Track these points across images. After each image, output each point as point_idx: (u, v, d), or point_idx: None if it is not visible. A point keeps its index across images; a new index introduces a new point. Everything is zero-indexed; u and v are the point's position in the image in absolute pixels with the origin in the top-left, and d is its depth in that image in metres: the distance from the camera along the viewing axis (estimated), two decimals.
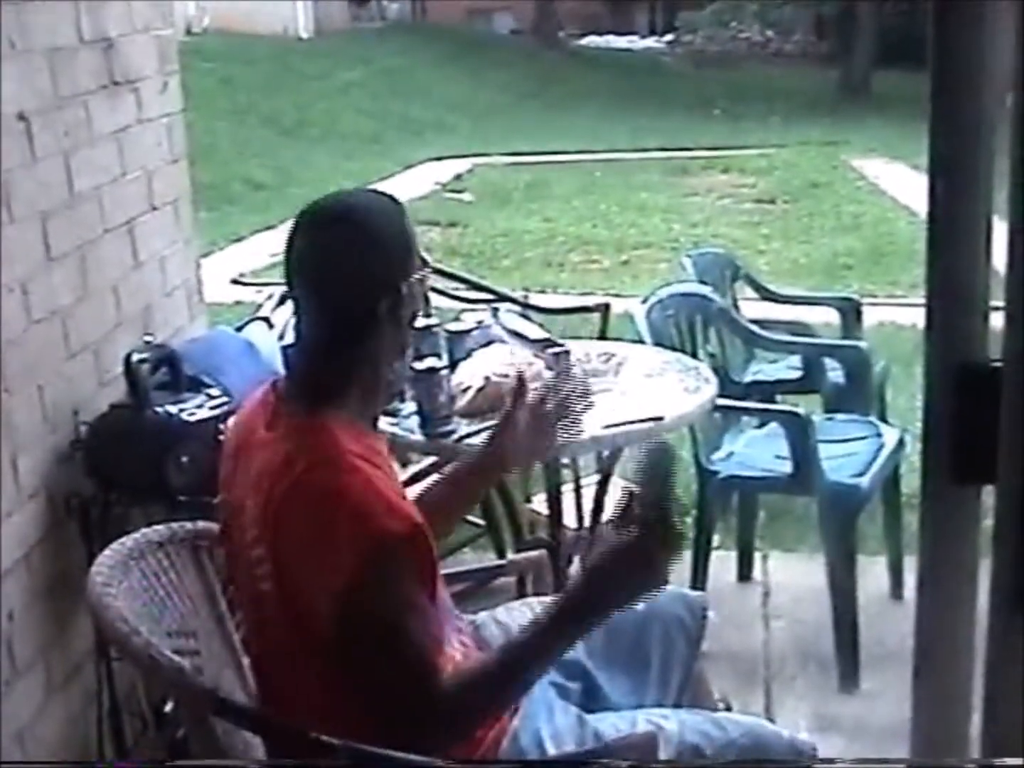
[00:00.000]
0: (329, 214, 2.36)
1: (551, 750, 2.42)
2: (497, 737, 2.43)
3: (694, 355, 4.61)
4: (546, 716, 2.49)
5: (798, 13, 30.20)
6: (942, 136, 1.42)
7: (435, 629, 2.31)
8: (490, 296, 5.23)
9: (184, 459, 3.35)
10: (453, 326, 4.06)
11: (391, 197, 2.44)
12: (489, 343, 4.02)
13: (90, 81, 3.61)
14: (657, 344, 4.49)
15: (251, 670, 2.60)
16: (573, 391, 2.79)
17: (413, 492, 2.75)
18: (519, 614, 2.82)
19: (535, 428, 2.77)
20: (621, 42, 30.54)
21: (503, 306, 4.68)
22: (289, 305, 4.32)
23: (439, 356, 3.71)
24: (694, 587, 4.13)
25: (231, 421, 2.59)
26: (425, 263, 2.49)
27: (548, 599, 2.82)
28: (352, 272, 2.30)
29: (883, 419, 5.02)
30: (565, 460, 4.49)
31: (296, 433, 2.29)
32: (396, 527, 2.19)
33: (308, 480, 2.21)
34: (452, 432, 3.56)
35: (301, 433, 2.29)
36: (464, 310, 4.96)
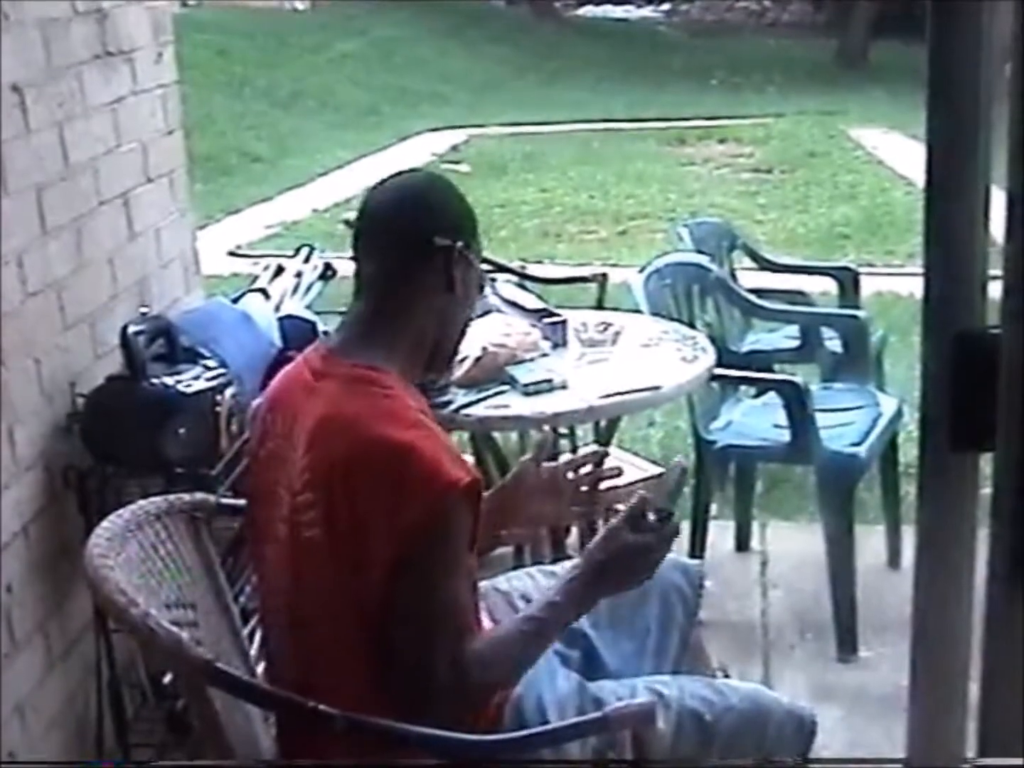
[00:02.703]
0: (394, 181, 2.50)
1: (553, 717, 2.43)
2: (500, 704, 2.44)
3: (691, 325, 4.60)
4: (548, 683, 2.50)
5: None
6: (940, 106, 1.41)
7: (474, 595, 2.39)
8: (487, 266, 5.21)
9: (181, 431, 3.35)
10: None
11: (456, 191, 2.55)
12: (486, 313, 4.02)
13: (84, 52, 3.59)
14: (654, 314, 4.49)
15: (263, 624, 2.61)
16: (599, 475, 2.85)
17: None
18: (520, 583, 2.84)
19: (549, 494, 2.79)
20: (618, 12, 30.42)
21: (500, 276, 4.68)
22: (284, 277, 4.34)
23: None
24: (692, 556, 4.14)
25: (272, 382, 2.59)
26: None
27: (558, 569, 2.86)
28: (406, 215, 2.42)
29: (881, 388, 5.02)
30: (563, 430, 4.50)
31: (355, 383, 2.33)
32: (464, 477, 2.24)
33: (376, 435, 2.24)
34: (449, 402, 3.56)
35: (360, 384, 2.33)
36: None
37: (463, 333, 2.55)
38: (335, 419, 2.29)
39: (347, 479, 2.24)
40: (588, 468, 2.83)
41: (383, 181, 2.50)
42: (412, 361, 2.43)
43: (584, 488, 2.81)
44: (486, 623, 2.59)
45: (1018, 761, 1.41)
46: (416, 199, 2.45)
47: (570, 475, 2.80)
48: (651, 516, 2.39)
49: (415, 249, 2.40)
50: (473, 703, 2.34)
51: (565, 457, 3.02)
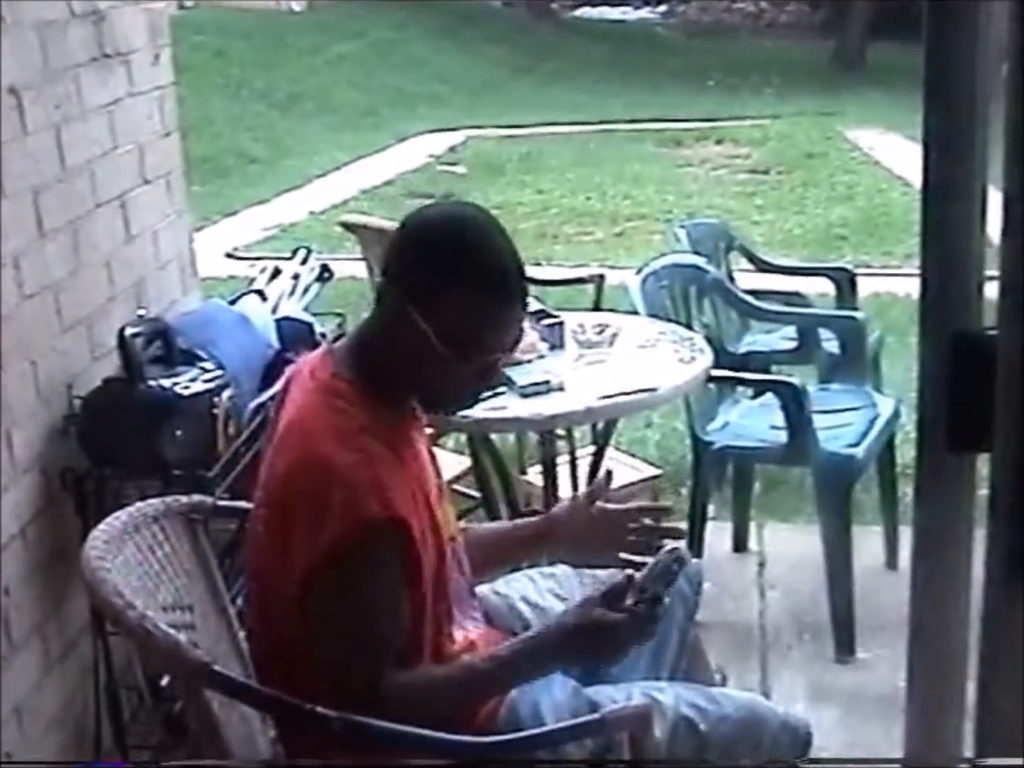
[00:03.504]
0: (441, 212, 2.48)
1: (549, 720, 2.43)
2: (495, 707, 2.44)
3: (689, 326, 4.60)
4: (544, 687, 2.50)
5: None
6: (937, 107, 1.41)
7: (401, 629, 2.34)
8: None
9: (178, 433, 3.34)
10: None
11: (517, 266, 2.39)
12: None
13: (81, 54, 3.59)
14: (651, 315, 4.49)
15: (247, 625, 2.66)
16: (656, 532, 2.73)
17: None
18: (519, 585, 2.84)
19: (599, 534, 2.74)
20: (615, 13, 30.40)
21: None
22: (281, 278, 4.34)
23: None
24: (694, 557, 4.14)
25: (285, 375, 2.61)
26: (509, 346, 2.44)
27: (557, 571, 2.86)
28: (421, 260, 2.34)
29: (878, 389, 5.02)
30: (560, 432, 4.50)
31: (326, 394, 2.36)
32: (382, 516, 2.25)
33: (316, 454, 2.28)
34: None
35: (328, 395, 2.35)
36: None
37: (462, 390, 2.47)
38: (294, 428, 2.36)
39: (284, 489, 2.31)
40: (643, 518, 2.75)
41: (435, 206, 2.51)
42: (394, 387, 2.43)
43: (635, 537, 2.72)
44: (487, 626, 2.60)
45: (1018, 761, 1.41)
46: (443, 247, 2.34)
47: (626, 521, 2.72)
48: (631, 598, 2.31)
49: (418, 295, 2.32)
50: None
51: (627, 504, 2.90)
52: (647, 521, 2.73)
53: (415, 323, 2.32)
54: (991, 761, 1.45)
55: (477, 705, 2.43)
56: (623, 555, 2.73)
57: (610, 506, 2.75)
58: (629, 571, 2.38)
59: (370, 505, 2.24)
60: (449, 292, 2.31)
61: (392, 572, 2.30)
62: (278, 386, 2.62)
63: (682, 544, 2.49)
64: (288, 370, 2.60)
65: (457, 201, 2.52)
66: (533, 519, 2.90)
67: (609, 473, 2.86)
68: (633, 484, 4.61)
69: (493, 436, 4.40)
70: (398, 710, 2.24)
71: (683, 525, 4.29)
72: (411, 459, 2.44)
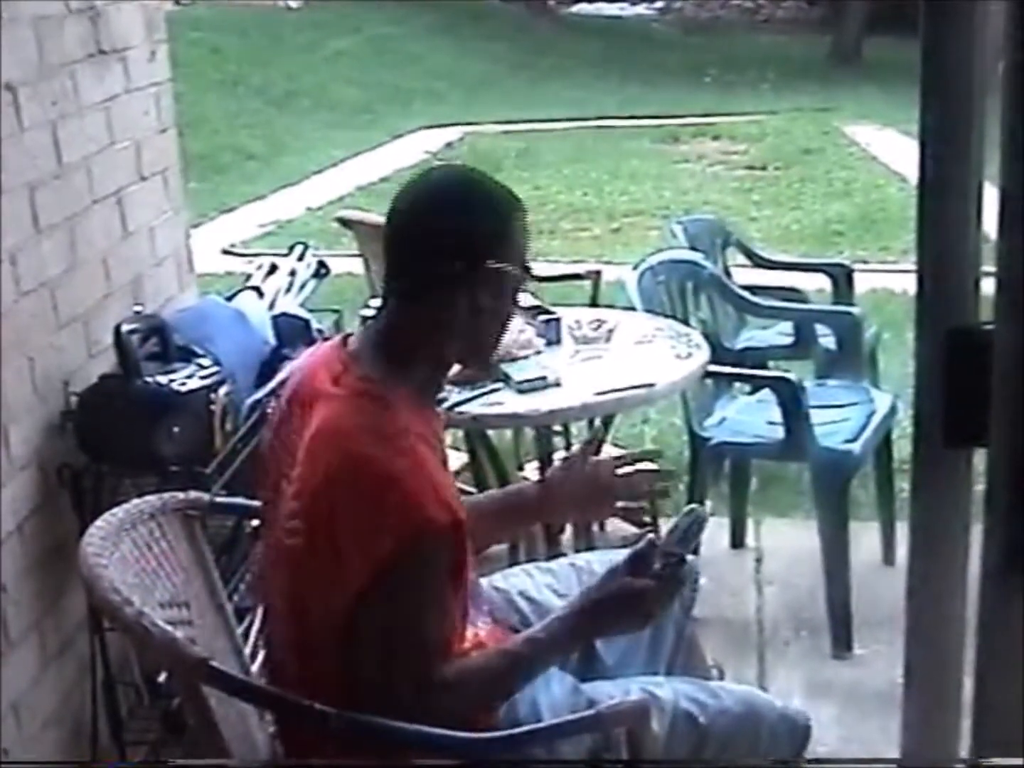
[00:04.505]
0: (426, 185, 2.40)
1: (547, 718, 2.43)
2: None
3: (685, 322, 4.60)
4: (543, 685, 2.49)
5: None
6: (933, 102, 1.41)
7: (448, 626, 2.33)
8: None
9: (175, 429, 3.34)
10: None
11: (505, 190, 2.42)
12: None
13: (77, 50, 3.59)
14: (648, 311, 4.49)
15: (262, 623, 2.61)
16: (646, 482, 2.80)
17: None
18: (517, 580, 2.84)
19: (594, 488, 2.76)
20: (612, 9, 30.37)
21: None
22: (278, 275, 4.33)
23: None
24: (693, 553, 4.14)
25: (290, 368, 2.58)
26: (528, 269, 2.45)
27: (554, 566, 2.86)
28: (431, 236, 2.30)
29: (875, 385, 5.02)
30: (557, 427, 4.50)
31: (361, 397, 2.28)
32: (441, 518, 2.20)
33: (364, 456, 2.21)
34: (443, 400, 3.56)
35: (365, 399, 2.28)
36: None
37: (504, 328, 2.45)
38: (331, 433, 2.27)
39: (330, 497, 2.22)
40: (633, 467, 2.80)
41: (416, 181, 2.40)
42: (432, 377, 2.41)
43: (628, 486, 2.77)
44: (486, 621, 2.60)
45: (1017, 761, 1.41)
46: (446, 212, 2.32)
47: (619, 471, 2.77)
48: (656, 562, 2.34)
49: (440, 268, 2.30)
50: (437, 724, 2.29)
51: (614, 452, 2.97)
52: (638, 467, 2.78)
53: (465, 294, 2.30)
54: (992, 761, 1.45)
55: (517, 691, 2.41)
56: (619, 505, 2.79)
57: (598, 459, 2.79)
58: (651, 536, 2.40)
59: (429, 509, 2.19)
60: (486, 250, 2.31)
61: (444, 571, 2.27)
62: (274, 383, 2.61)
63: (700, 506, 2.49)
64: (285, 368, 2.58)
65: (421, 176, 2.40)
66: (526, 485, 2.88)
67: (596, 431, 2.88)
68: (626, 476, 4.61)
69: (490, 432, 4.41)
70: (445, 705, 2.24)
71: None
72: (442, 451, 2.44)
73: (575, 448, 2.87)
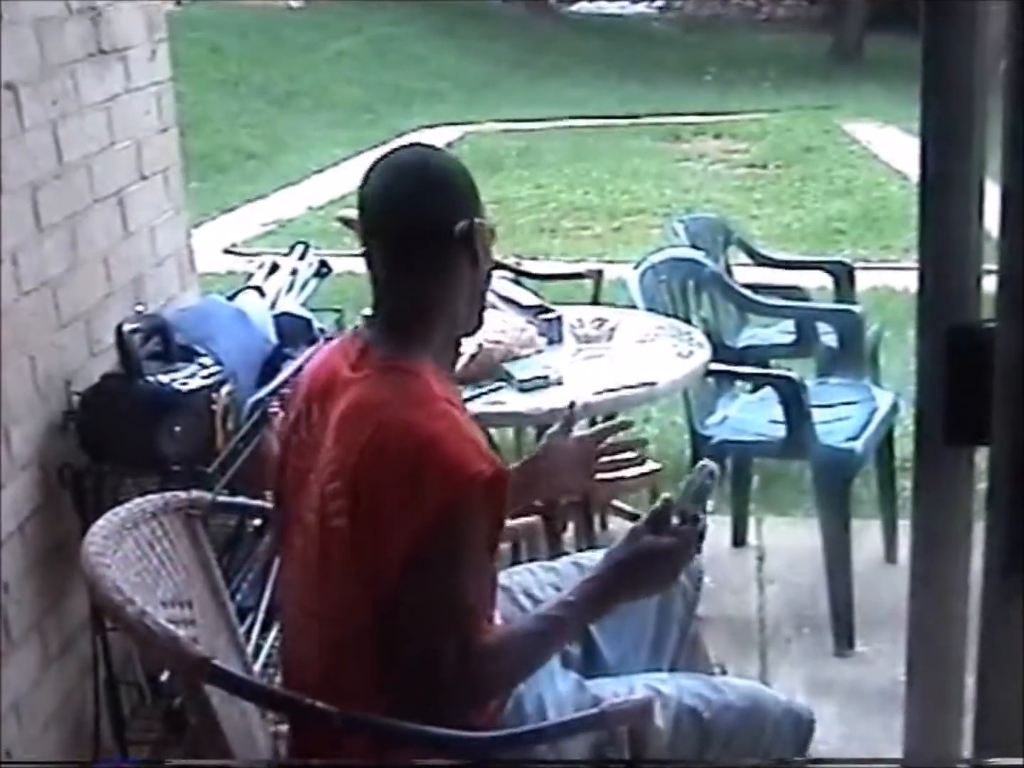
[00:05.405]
0: (395, 166, 2.42)
1: (552, 716, 2.43)
2: (500, 703, 2.44)
3: (687, 320, 4.60)
4: (548, 683, 2.50)
5: None
6: (934, 101, 1.41)
7: (489, 587, 2.38)
8: None
9: (177, 428, 3.34)
10: None
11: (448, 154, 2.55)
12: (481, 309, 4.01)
13: (78, 50, 3.59)
14: (650, 309, 4.49)
15: (283, 617, 2.60)
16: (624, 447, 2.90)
17: None
18: (520, 578, 2.84)
19: (576, 463, 2.83)
20: (612, 8, 30.36)
21: (496, 272, 4.66)
22: (279, 274, 4.34)
23: None
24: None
25: (306, 368, 2.60)
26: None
27: (558, 564, 2.87)
28: (426, 207, 2.36)
29: (876, 383, 5.02)
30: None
31: (387, 373, 2.32)
32: (487, 469, 2.22)
33: (401, 421, 2.23)
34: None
35: (392, 373, 2.31)
36: None
37: (488, 283, 2.52)
38: (363, 405, 2.29)
39: (371, 465, 2.22)
40: (612, 438, 2.89)
41: (383, 164, 2.42)
42: (446, 345, 2.44)
43: (610, 456, 2.86)
44: (515, 622, 2.59)
45: (1018, 761, 1.41)
46: (426, 185, 2.37)
47: (598, 444, 2.85)
48: (674, 519, 2.37)
49: (439, 239, 2.36)
50: (480, 696, 2.34)
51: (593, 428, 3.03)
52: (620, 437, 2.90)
53: (453, 270, 2.37)
54: (993, 761, 1.45)
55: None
56: (601, 476, 2.89)
57: (578, 434, 2.86)
58: (666, 495, 2.43)
59: (472, 464, 2.20)
60: (466, 222, 2.36)
61: (485, 534, 2.28)
62: (277, 382, 2.61)
63: (709, 462, 2.53)
64: (287, 367, 2.58)
65: (387, 157, 2.42)
66: (513, 466, 2.89)
67: (573, 404, 2.96)
68: (632, 479, 4.61)
69: (492, 431, 4.41)
70: (487, 671, 2.25)
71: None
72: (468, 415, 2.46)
73: (553, 428, 2.89)
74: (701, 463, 2.52)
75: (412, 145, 2.56)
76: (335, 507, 2.28)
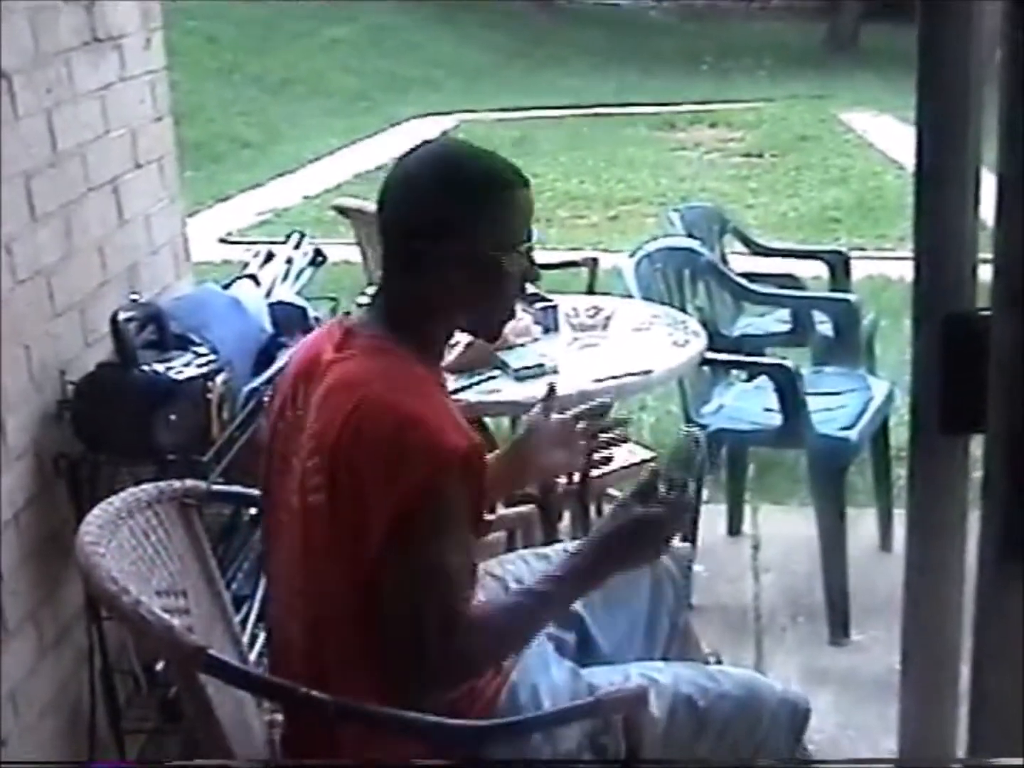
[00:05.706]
0: (419, 158, 2.40)
1: (548, 705, 2.43)
2: (497, 690, 2.44)
3: (683, 309, 4.60)
4: (543, 671, 2.50)
5: None
6: (930, 89, 1.41)
7: (471, 565, 2.35)
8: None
9: (172, 417, 3.34)
10: None
11: (500, 163, 2.44)
12: None
13: (72, 38, 3.58)
14: (645, 298, 4.49)
15: (270, 602, 2.60)
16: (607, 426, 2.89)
17: None
18: (513, 567, 2.83)
19: (560, 443, 2.84)
20: None
21: None
22: (275, 263, 4.33)
23: None
24: (683, 540, 4.15)
25: (292, 352, 2.59)
26: (530, 235, 2.48)
27: (551, 552, 2.87)
28: (426, 207, 2.33)
29: (872, 372, 5.03)
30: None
31: (371, 353, 2.32)
32: (461, 444, 2.22)
33: (381, 399, 2.23)
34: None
35: (376, 354, 2.32)
36: None
37: (509, 299, 2.47)
38: (346, 384, 2.28)
39: (350, 441, 2.22)
40: (594, 418, 2.88)
41: (405, 156, 2.41)
42: (436, 337, 2.43)
43: (592, 436, 2.86)
44: (501, 599, 2.59)
45: (1018, 761, 1.41)
46: (430, 183, 2.34)
47: (579, 425, 2.85)
48: (662, 488, 2.36)
49: (438, 240, 2.32)
50: (465, 670, 2.32)
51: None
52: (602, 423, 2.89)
53: (474, 260, 2.34)
54: (992, 761, 1.46)
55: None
56: (585, 456, 2.89)
57: (561, 416, 2.86)
58: (653, 465, 2.41)
59: (449, 439, 2.20)
60: (488, 213, 2.34)
61: (464, 509, 2.26)
62: (272, 370, 2.60)
63: (694, 429, 2.53)
64: (283, 356, 2.58)
65: (425, 144, 2.42)
66: (496, 454, 2.89)
67: (552, 388, 2.94)
68: (628, 467, 4.61)
69: (487, 419, 4.40)
70: (471, 644, 2.24)
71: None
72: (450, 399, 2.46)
73: (534, 410, 2.89)
74: (684, 429, 2.51)
75: (445, 141, 2.53)
76: (314, 483, 2.28)
